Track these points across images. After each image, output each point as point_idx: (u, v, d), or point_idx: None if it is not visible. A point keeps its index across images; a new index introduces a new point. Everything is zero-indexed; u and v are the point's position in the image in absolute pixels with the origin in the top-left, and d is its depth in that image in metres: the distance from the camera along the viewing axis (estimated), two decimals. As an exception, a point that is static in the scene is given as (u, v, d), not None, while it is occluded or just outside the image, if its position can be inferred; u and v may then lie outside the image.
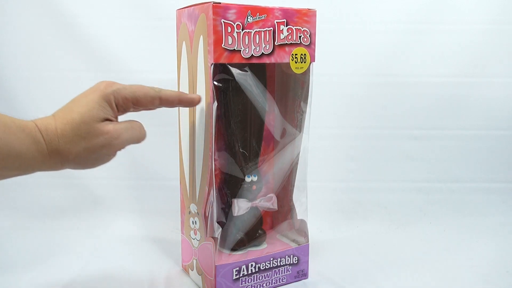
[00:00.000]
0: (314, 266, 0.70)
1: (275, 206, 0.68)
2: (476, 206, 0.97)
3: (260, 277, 0.65)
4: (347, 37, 0.96)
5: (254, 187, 0.66)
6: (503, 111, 0.99)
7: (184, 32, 0.62)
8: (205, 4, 0.56)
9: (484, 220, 0.92)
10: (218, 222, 0.63)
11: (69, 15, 0.92)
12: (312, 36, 0.64)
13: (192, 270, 0.67)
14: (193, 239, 0.66)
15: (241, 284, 0.63)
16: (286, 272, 0.67)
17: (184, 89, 0.64)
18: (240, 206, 0.64)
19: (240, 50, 0.57)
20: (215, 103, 0.58)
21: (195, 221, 0.64)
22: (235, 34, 0.56)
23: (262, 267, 0.64)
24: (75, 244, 0.80)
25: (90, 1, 0.92)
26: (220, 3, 0.55)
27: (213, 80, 0.57)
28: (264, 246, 0.68)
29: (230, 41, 0.56)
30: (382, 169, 0.99)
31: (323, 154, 0.98)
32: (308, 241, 0.68)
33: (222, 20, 0.55)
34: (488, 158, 1.00)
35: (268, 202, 0.67)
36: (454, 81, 0.98)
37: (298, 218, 0.70)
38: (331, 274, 0.70)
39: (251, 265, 0.63)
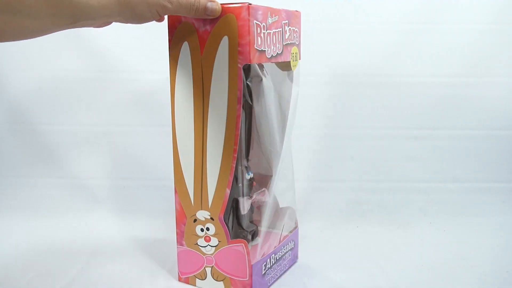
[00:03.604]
0: (314, 266, 0.71)
1: (268, 199, 0.68)
2: (476, 206, 0.97)
3: (276, 267, 0.67)
4: (347, 37, 0.96)
5: (254, 183, 0.67)
6: (503, 111, 0.99)
7: (185, 32, 0.60)
8: (236, 5, 0.56)
9: (484, 220, 0.92)
10: (251, 222, 0.65)
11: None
12: (300, 35, 0.67)
13: (204, 279, 0.66)
14: (204, 246, 0.64)
15: (266, 277, 0.65)
16: (288, 257, 0.70)
17: (184, 91, 0.62)
18: (247, 204, 0.65)
19: (265, 51, 0.58)
20: (239, 104, 0.58)
21: (208, 228, 0.63)
22: (262, 35, 0.57)
23: (278, 257, 0.67)
24: (75, 244, 0.80)
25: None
26: (251, 4, 0.55)
27: (247, 80, 0.58)
28: (258, 240, 0.69)
29: (259, 42, 0.57)
30: (382, 169, 1.00)
31: (323, 154, 0.98)
32: (297, 225, 0.72)
33: (255, 21, 0.56)
34: (488, 158, 1.00)
35: (262, 196, 0.68)
36: (454, 81, 0.98)
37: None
38: (331, 274, 0.70)
39: (272, 257, 0.65)
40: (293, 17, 0.64)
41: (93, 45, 0.94)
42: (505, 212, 0.95)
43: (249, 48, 0.55)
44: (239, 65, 0.56)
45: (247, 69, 0.58)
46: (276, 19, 0.60)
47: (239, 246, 0.62)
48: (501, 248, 0.81)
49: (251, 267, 0.61)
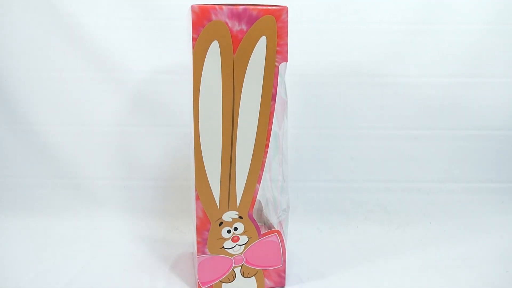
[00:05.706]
0: (313, 266, 0.71)
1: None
2: (476, 206, 0.97)
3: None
4: (347, 37, 0.96)
5: None
6: (503, 111, 0.99)
7: (216, 31, 0.59)
8: (276, 7, 0.58)
9: (484, 220, 0.92)
10: (283, 210, 0.66)
11: (69, 15, 0.92)
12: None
13: (232, 281, 0.66)
14: (232, 247, 0.64)
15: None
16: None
17: (211, 89, 0.60)
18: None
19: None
20: (273, 100, 0.60)
21: (236, 228, 0.64)
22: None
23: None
24: (75, 244, 0.80)
25: (90, 1, 0.92)
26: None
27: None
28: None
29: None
30: (382, 169, 0.99)
31: (323, 154, 0.98)
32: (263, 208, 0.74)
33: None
34: (488, 158, 1.00)
35: None
36: (454, 81, 0.98)
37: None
38: (331, 275, 0.70)
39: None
40: None
41: (93, 45, 0.94)
42: (505, 212, 0.95)
43: (286, 48, 0.60)
44: (277, 64, 0.60)
45: None
46: None
47: (272, 236, 0.65)
48: (501, 248, 0.81)
49: (285, 252, 0.66)
